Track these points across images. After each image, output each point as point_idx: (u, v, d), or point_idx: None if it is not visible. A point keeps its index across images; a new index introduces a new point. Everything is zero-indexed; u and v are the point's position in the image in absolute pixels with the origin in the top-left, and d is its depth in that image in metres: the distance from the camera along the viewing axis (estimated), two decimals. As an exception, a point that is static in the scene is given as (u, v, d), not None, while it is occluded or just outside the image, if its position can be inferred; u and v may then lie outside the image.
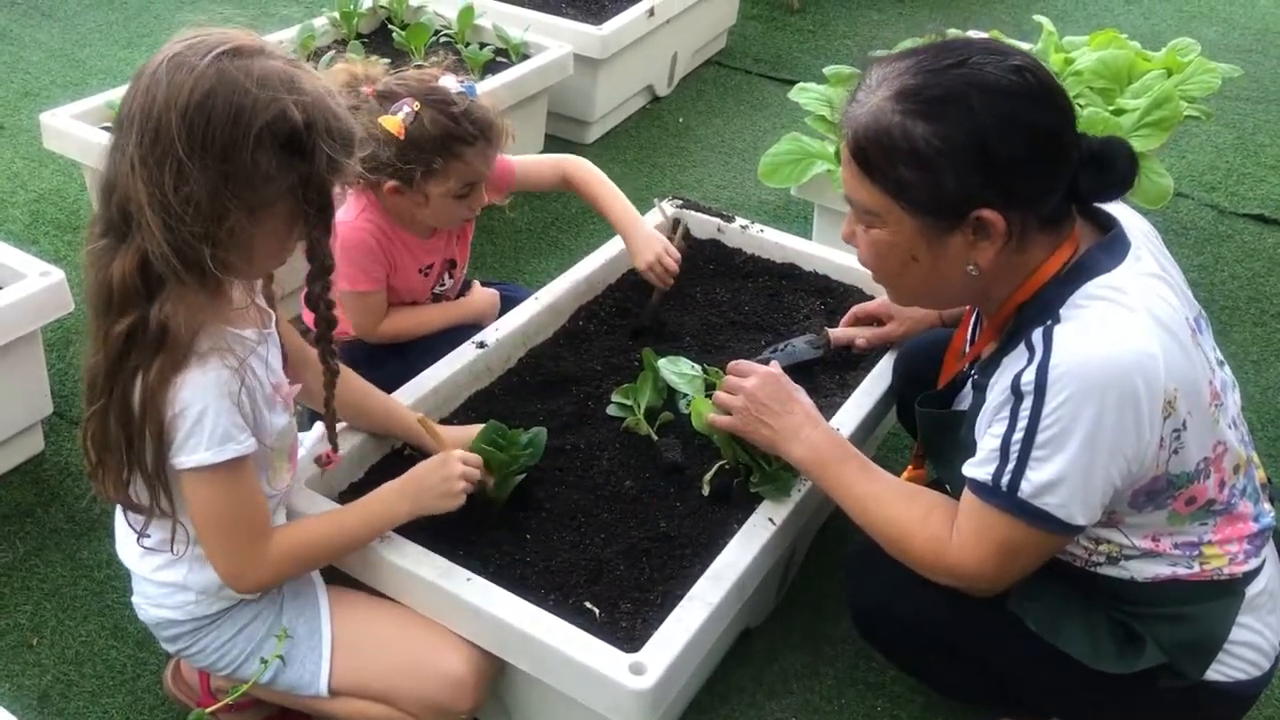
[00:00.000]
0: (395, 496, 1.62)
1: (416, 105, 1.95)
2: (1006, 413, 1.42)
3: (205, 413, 1.41)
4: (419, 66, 2.10)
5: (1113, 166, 1.42)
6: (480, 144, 2.01)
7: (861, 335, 2.11)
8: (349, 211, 2.11)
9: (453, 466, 1.64)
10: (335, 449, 1.74)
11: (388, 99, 1.97)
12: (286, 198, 1.40)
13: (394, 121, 1.93)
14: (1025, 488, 1.40)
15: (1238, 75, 3.09)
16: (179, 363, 1.40)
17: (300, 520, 1.64)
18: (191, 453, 1.43)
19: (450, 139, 1.97)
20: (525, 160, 2.33)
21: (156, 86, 1.33)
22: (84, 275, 1.45)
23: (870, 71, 1.45)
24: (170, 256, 1.35)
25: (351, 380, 1.78)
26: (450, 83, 2.01)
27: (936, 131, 1.37)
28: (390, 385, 1.94)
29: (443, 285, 2.30)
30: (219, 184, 1.33)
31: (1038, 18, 3.28)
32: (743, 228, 2.50)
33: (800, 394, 1.74)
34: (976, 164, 1.37)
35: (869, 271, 1.58)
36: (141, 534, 1.56)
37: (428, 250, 2.20)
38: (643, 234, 2.24)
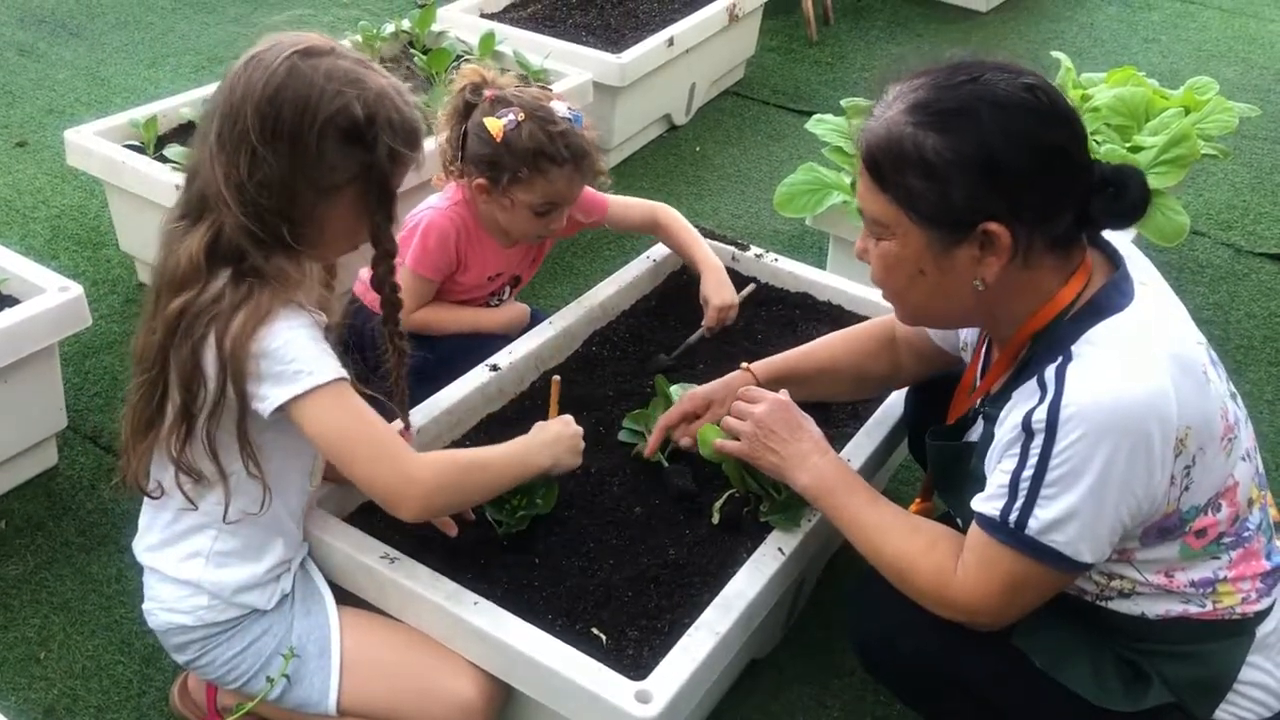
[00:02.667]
0: (536, 447, 1.69)
1: (521, 115, 2.08)
2: (1017, 449, 1.42)
3: (296, 340, 1.47)
4: (543, 86, 2.26)
5: (1125, 193, 1.43)
6: (568, 168, 2.10)
7: (685, 435, 1.90)
8: (443, 199, 2.24)
9: (576, 427, 1.75)
10: (408, 426, 1.81)
11: (500, 104, 2.10)
12: (352, 184, 1.50)
13: (496, 124, 2.07)
14: (1033, 524, 1.40)
15: (1256, 115, 3.09)
16: (264, 316, 1.46)
17: (441, 452, 1.72)
18: (294, 381, 1.46)
19: (541, 154, 2.07)
20: (619, 200, 2.42)
21: (236, 82, 1.46)
22: (157, 255, 1.54)
23: (888, 89, 1.48)
24: (251, 228, 1.46)
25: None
26: (559, 107, 2.12)
27: (946, 143, 1.39)
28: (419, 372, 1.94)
29: (501, 297, 2.38)
30: (290, 168, 1.46)
31: (1056, 54, 3.29)
32: (757, 256, 2.51)
33: (809, 422, 1.74)
34: (984, 176, 1.38)
35: (879, 292, 1.59)
36: (192, 505, 1.58)
37: (502, 259, 2.30)
38: (725, 277, 2.34)
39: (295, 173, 1.46)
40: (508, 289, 2.38)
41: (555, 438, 1.72)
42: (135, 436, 1.56)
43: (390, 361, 1.71)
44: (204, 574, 1.60)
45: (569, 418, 1.77)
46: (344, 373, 1.50)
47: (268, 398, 1.46)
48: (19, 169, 3.38)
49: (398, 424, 1.77)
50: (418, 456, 1.55)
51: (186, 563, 1.61)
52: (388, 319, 1.68)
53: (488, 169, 2.11)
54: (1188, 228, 2.73)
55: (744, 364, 1.96)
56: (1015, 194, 1.39)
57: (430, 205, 2.24)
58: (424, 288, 2.24)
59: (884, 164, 1.44)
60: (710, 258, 2.38)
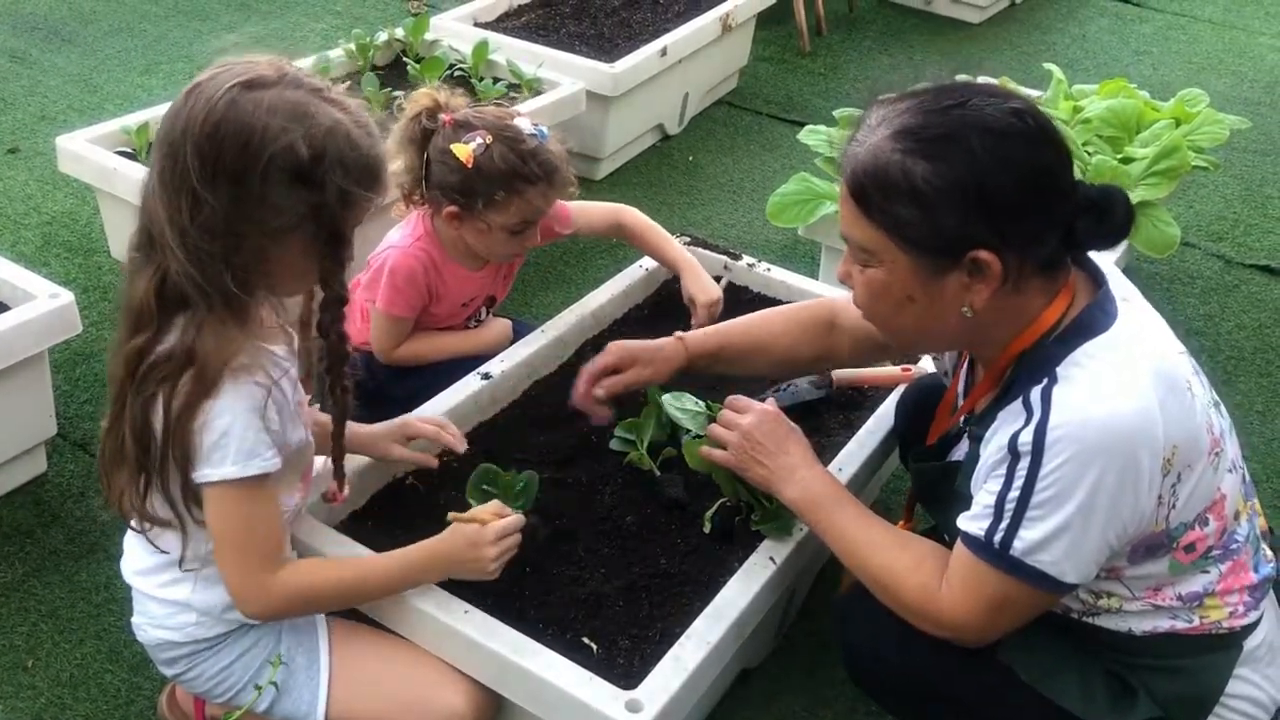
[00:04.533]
0: (425, 564, 1.60)
1: (489, 138, 2.05)
2: (1003, 471, 1.41)
3: (231, 428, 1.42)
4: (498, 103, 2.22)
5: (1110, 214, 1.42)
6: (542, 185, 2.08)
7: (602, 387, 1.88)
8: (405, 237, 2.20)
9: (485, 550, 1.59)
10: (342, 487, 1.73)
11: (463, 128, 2.07)
12: (300, 227, 1.41)
13: (465, 150, 2.03)
14: (1018, 545, 1.39)
15: (1246, 127, 3.11)
16: (209, 387, 1.41)
17: (321, 563, 1.63)
18: (217, 466, 1.43)
19: (516, 175, 2.05)
20: (582, 206, 2.40)
21: (177, 115, 1.38)
22: (122, 281, 1.49)
23: (871, 111, 1.46)
24: (193, 275, 1.38)
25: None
26: (524, 124, 2.10)
27: (935, 170, 1.37)
28: (410, 401, 1.99)
29: (479, 319, 2.36)
30: (233, 211, 1.37)
31: (1048, 66, 3.30)
32: (750, 266, 2.51)
33: (797, 434, 1.73)
34: (974, 204, 1.37)
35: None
36: (158, 547, 1.56)
37: (473, 284, 2.27)
38: (704, 273, 2.33)
39: (238, 216, 1.37)
40: (484, 310, 2.36)
41: (450, 560, 1.60)
42: (111, 468, 1.51)
43: (332, 413, 1.61)
44: (192, 595, 1.59)
45: (485, 532, 1.60)
46: (267, 464, 1.45)
47: (200, 468, 1.44)
48: (10, 175, 3.38)
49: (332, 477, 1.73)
50: (279, 573, 1.50)
51: (173, 586, 1.59)
52: (331, 369, 1.56)
53: (459, 195, 2.07)
54: (1178, 239, 2.74)
55: (678, 332, 1.95)
56: (1006, 221, 1.38)
57: (391, 244, 2.20)
58: (400, 326, 2.22)
59: (871, 192, 1.41)
60: (684, 255, 2.36)
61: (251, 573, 1.50)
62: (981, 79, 3.10)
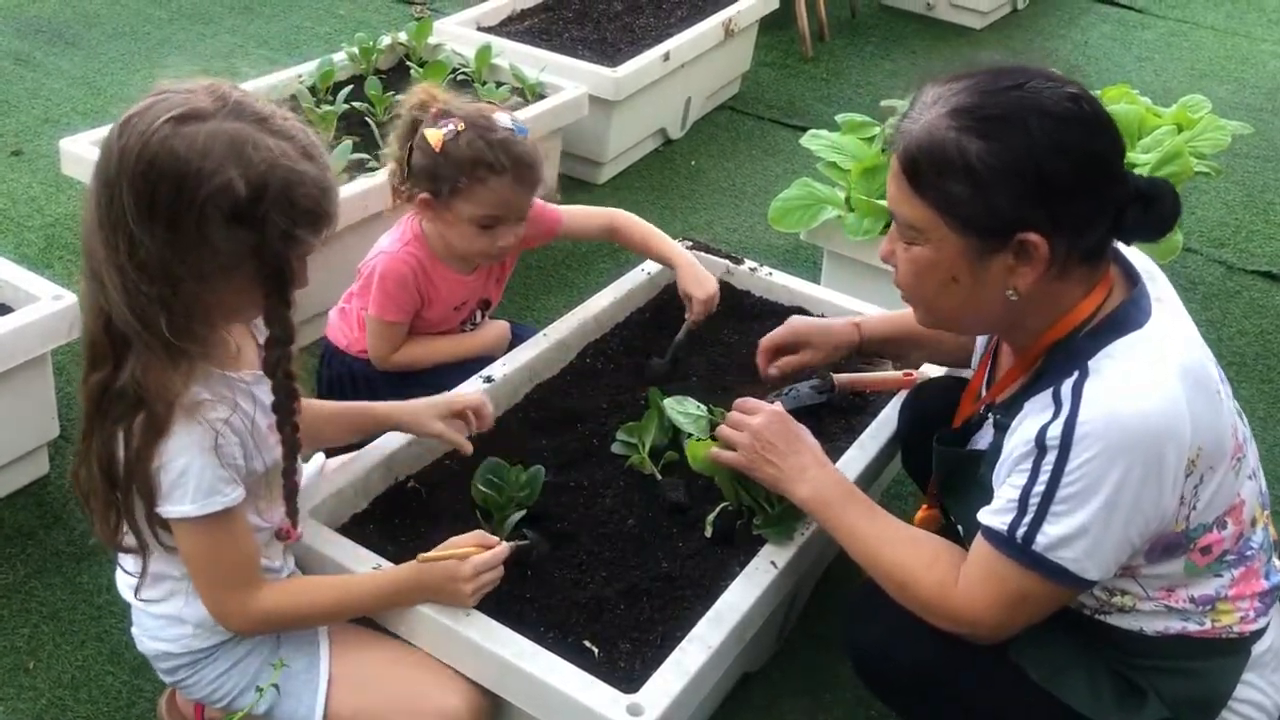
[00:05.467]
0: (403, 592, 1.59)
1: (461, 126, 2.05)
2: (1028, 465, 1.41)
3: (189, 468, 1.41)
4: (490, 102, 2.22)
5: (1159, 205, 1.42)
6: (508, 176, 2.06)
7: (775, 367, 2.02)
8: (394, 242, 2.20)
9: (462, 586, 1.57)
10: (295, 525, 1.63)
11: (443, 117, 2.08)
12: (240, 266, 1.37)
13: (435, 135, 2.04)
14: (1041, 540, 1.39)
15: (1248, 133, 3.11)
16: (161, 427, 1.39)
17: (301, 586, 1.62)
18: (177, 503, 1.43)
19: (479, 162, 2.04)
20: (573, 210, 2.41)
21: (110, 150, 1.33)
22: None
23: (926, 90, 1.46)
24: (129, 318, 1.35)
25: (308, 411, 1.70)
26: (503, 118, 2.10)
27: (991, 149, 1.37)
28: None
29: (474, 323, 2.36)
30: (168, 252, 1.32)
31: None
32: (752, 270, 2.51)
33: (806, 434, 1.74)
34: (1028, 185, 1.37)
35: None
36: (133, 574, 1.57)
37: (464, 287, 2.26)
38: (700, 268, 2.34)
39: (175, 258, 1.32)
40: (479, 313, 2.35)
41: (431, 589, 1.58)
42: (86, 497, 1.50)
43: (282, 452, 1.55)
44: (184, 610, 1.59)
45: (462, 567, 1.57)
46: (227, 499, 1.44)
47: (162, 504, 1.44)
48: (14, 177, 3.38)
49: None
50: (256, 594, 1.51)
51: (167, 601, 1.59)
52: (278, 407, 1.50)
53: (428, 181, 2.08)
54: (1180, 245, 2.74)
55: (854, 319, 2.03)
56: (1058, 205, 1.38)
57: (381, 250, 2.20)
58: (394, 331, 2.22)
59: (924, 167, 1.41)
60: (680, 251, 2.36)
61: (225, 597, 1.52)
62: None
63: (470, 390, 2.01)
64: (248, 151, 1.32)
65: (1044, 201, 1.37)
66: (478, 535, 1.64)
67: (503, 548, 1.63)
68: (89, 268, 1.39)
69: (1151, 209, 1.42)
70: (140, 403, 1.39)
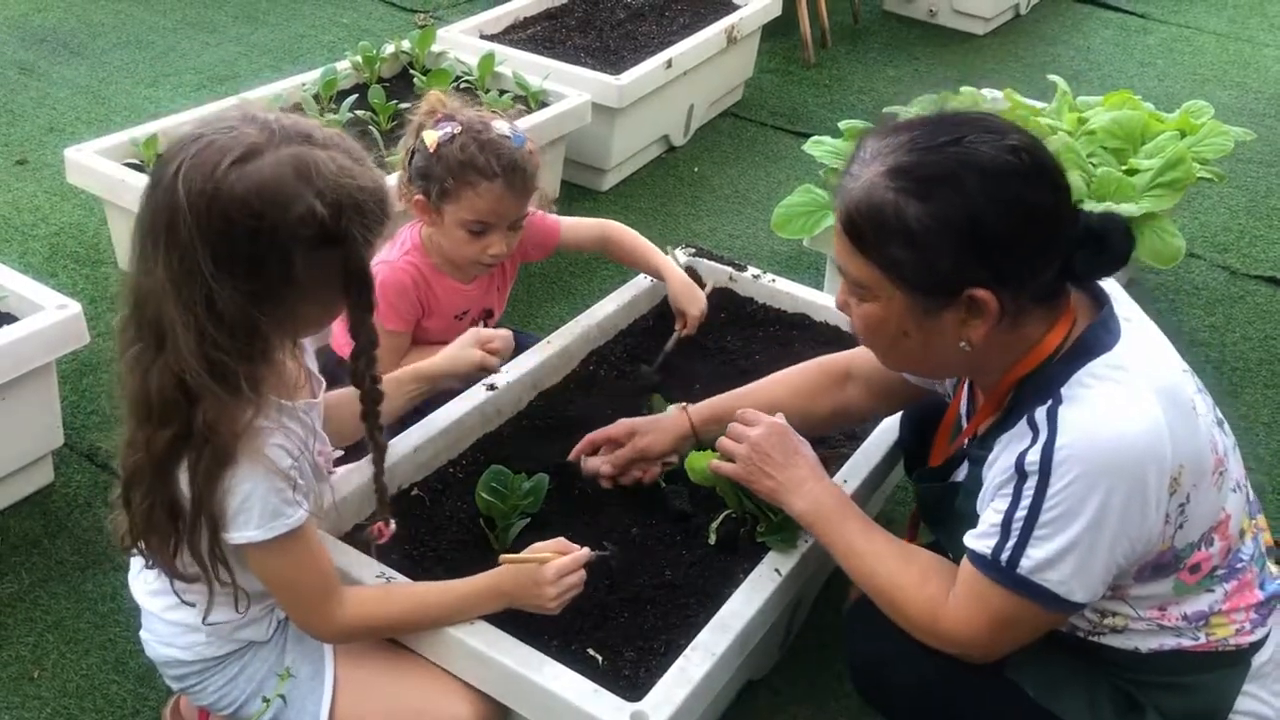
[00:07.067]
0: (488, 597, 1.59)
1: (458, 129, 2.07)
2: (1010, 490, 1.41)
3: (253, 494, 1.42)
4: (494, 110, 2.24)
5: (1109, 245, 1.40)
6: (497, 182, 2.06)
7: (606, 462, 1.92)
8: (394, 252, 2.21)
9: (546, 589, 1.57)
10: (389, 522, 1.69)
11: (446, 121, 2.10)
12: (324, 288, 1.38)
13: (432, 136, 2.07)
14: (1025, 564, 1.39)
15: (1251, 139, 3.10)
16: (226, 460, 1.40)
17: (382, 596, 1.61)
18: (242, 529, 1.44)
19: (469, 165, 2.05)
20: (570, 222, 2.42)
21: (172, 199, 1.29)
22: (123, 376, 1.42)
23: (865, 144, 1.44)
24: (203, 375, 1.34)
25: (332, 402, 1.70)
26: (501, 125, 2.11)
27: (929, 211, 1.35)
28: (415, 414, 1.98)
29: None
30: (248, 304, 1.33)
31: (1052, 77, 3.30)
32: (755, 277, 2.52)
33: (805, 447, 1.73)
34: (969, 244, 1.35)
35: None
36: (183, 601, 1.58)
37: (464, 297, 2.27)
38: (691, 283, 2.36)
39: (253, 307, 1.32)
40: (482, 323, 2.34)
41: (514, 595, 1.58)
42: (147, 541, 1.49)
43: (372, 456, 1.61)
44: (198, 618, 1.59)
45: (546, 570, 1.57)
46: (292, 521, 1.44)
47: (228, 531, 1.44)
48: (19, 186, 3.39)
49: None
50: (341, 606, 1.52)
51: (182, 609, 1.60)
52: (367, 414, 1.55)
53: (422, 181, 2.10)
54: (1183, 250, 2.74)
55: (683, 404, 1.95)
56: (1001, 260, 1.37)
57: (381, 260, 2.20)
58: (396, 341, 2.21)
59: (865, 229, 1.40)
60: (670, 264, 2.38)
61: (310, 611, 1.54)
62: (986, 91, 3.13)
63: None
64: (313, 174, 1.32)
65: (986, 258, 1.36)
66: (559, 542, 1.64)
67: (583, 552, 1.63)
68: (153, 333, 1.36)
69: (1103, 249, 1.40)
70: (206, 441, 1.39)
